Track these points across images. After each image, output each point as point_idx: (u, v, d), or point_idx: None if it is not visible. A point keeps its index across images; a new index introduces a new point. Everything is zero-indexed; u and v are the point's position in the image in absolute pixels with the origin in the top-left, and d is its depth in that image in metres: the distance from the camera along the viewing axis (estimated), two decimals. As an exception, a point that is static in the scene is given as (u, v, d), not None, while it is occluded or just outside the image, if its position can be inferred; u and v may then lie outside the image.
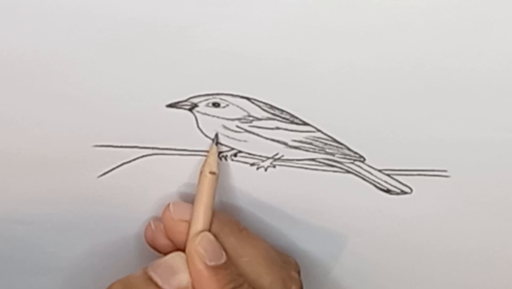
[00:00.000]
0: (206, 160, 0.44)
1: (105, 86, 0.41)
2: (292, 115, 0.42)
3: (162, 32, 0.39)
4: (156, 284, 0.42)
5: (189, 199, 0.46)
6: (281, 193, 0.45)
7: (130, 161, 0.44)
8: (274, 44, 0.39)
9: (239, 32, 0.39)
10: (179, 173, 0.45)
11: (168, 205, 0.44)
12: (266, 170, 0.44)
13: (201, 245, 0.42)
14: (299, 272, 0.46)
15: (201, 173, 0.44)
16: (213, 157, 0.43)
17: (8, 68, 0.41)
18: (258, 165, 0.44)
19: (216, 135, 0.43)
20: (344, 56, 0.39)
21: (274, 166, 0.44)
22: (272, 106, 0.42)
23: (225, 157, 0.44)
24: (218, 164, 0.44)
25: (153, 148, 0.44)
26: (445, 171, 0.43)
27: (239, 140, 0.43)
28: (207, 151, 0.44)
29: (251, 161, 0.44)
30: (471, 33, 0.38)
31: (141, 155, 0.44)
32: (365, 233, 0.46)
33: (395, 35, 0.38)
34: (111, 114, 0.42)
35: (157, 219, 0.46)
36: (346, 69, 0.40)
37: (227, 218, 0.44)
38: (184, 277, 0.42)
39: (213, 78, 0.41)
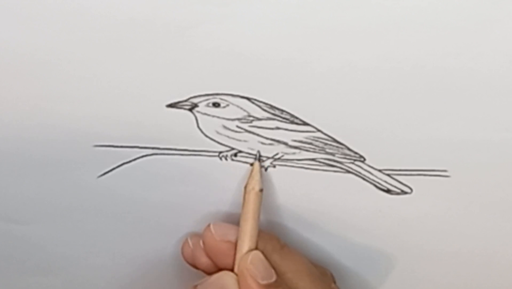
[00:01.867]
0: (250, 177, 0.44)
1: (105, 86, 0.41)
2: (292, 115, 0.42)
3: (162, 32, 0.39)
4: None
5: (189, 199, 0.46)
6: (281, 193, 0.45)
7: (130, 161, 0.44)
8: (274, 44, 0.39)
9: (239, 32, 0.39)
10: (179, 173, 0.45)
11: (209, 226, 0.44)
12: (266, 170, 0.44)
13: (253, 264, 0.42)
14: (335, 282, 0.47)
15: (246, 190, 0.44)
16: (259, 174, 0.44)
17: (9, 68, 0.41)
18: (258, 165, 0.44)
19: (258, 151, 0.43)
20: (344, 56, 0.39)
21: (274, 166, 0.44)
22: (272, 106, 0.42)
23: (225, 157, 0.44)
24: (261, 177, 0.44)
25: (153, 148, 0.44)
26: (445, 171, 0.43)
27: (239, 140, 0.43)
28: (207, 151, 0.44)
29: (251, 161, 0.44)
30: (471, 33, 0.38)
31: (141, 155, 0.44)
32: (365, 233, 0.46)
33: (395, 35, 0.38)
34: (111, 114, 0.42)
35: (195, 236, 0.46)
36: (346, 69, 0.40)
37: (269, 235, 0.45)
38: None
39: (213, 78, 0.41)
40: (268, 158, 0.44)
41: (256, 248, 0.43)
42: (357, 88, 0.40)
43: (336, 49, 0.39)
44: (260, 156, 0.43)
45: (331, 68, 0.40)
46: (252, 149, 0.44)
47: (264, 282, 0.42)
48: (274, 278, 0.42)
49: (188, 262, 0.46)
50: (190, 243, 0.46)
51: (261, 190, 0.44)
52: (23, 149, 0.44)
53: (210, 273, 0.44)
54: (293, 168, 0.44)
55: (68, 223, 0.48)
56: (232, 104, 0.42)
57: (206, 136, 0.43)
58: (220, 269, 0.44)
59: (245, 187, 0.44)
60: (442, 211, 0.45)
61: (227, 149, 0.44)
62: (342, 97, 0.41)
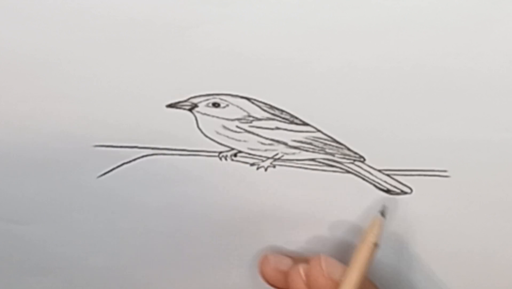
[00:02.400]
0: (371, 229, 0.44)
1: (105, 86, 0.41)
2: (292, 115, 0.42)
3: (162, 32, 0.39)
4: None
5: (189, 199, 0.46)
6: (281, 193, 0.45)
7: (130, 161, 0.44)
8: (274, 44, 0.39)
9: (239, 32, 0.39)
10: (179, 173, 0.45)
11: (319, 260, 0.44)
12: (266, 170, 0.44)
13: None
14: None
15: (363, 241, 0.44)
16: (380, 229, 0.44)
17: (9, 68, 0.41)
18: (258, 165, 0.44)
19: (384, 206, 0.44)
20: (344, 56, 0.39)
21: (274, 166, 0.44)
22: (272, 106, 0.42)
23: (225, 157, 0.44)
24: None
25: (153, 148, 0.44)
26: (445, 171, 0.43)
27: (239, 140, 0.43)
28: (207, 151, 0.44)
29: (251, 161, 0.44)
30: (471, 33, 0.38)
31: (141, 155, 0.44)
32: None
33: (395, 35, 0.38)
34: (111, 114, 0.42)
35: (274, 256, 0.46)
36: (346, 69, 0.40)
37: (368, 285, 0.45)
38: None
39: (213, 78, 0.41)
40: (268, 158, 0.44)
41: None
42: (357, 88, 0.40)
43: (336, 49, 0.39)
44: (385, 211, 0.44)
45: (331, 68, 0.40)
46: (252, 149, 0.44)
47: None
48: None
49: (268, 282, 0.46)
50: (272, 262, 0.46)
51: (376, 245, 0.44)
52: (23, 149, 0.44)
53: None
54: (293, 168, 0.44)
55: (68, 223, 0.48)
56: (232, 104, 0.42)
57: (206, 136, 0.43)
58: None
59: (365, 237, 0.44)
60: (442, 211, 0.45)
61: (227, 149, 0.44)
62: (342, 97, 0.41)
